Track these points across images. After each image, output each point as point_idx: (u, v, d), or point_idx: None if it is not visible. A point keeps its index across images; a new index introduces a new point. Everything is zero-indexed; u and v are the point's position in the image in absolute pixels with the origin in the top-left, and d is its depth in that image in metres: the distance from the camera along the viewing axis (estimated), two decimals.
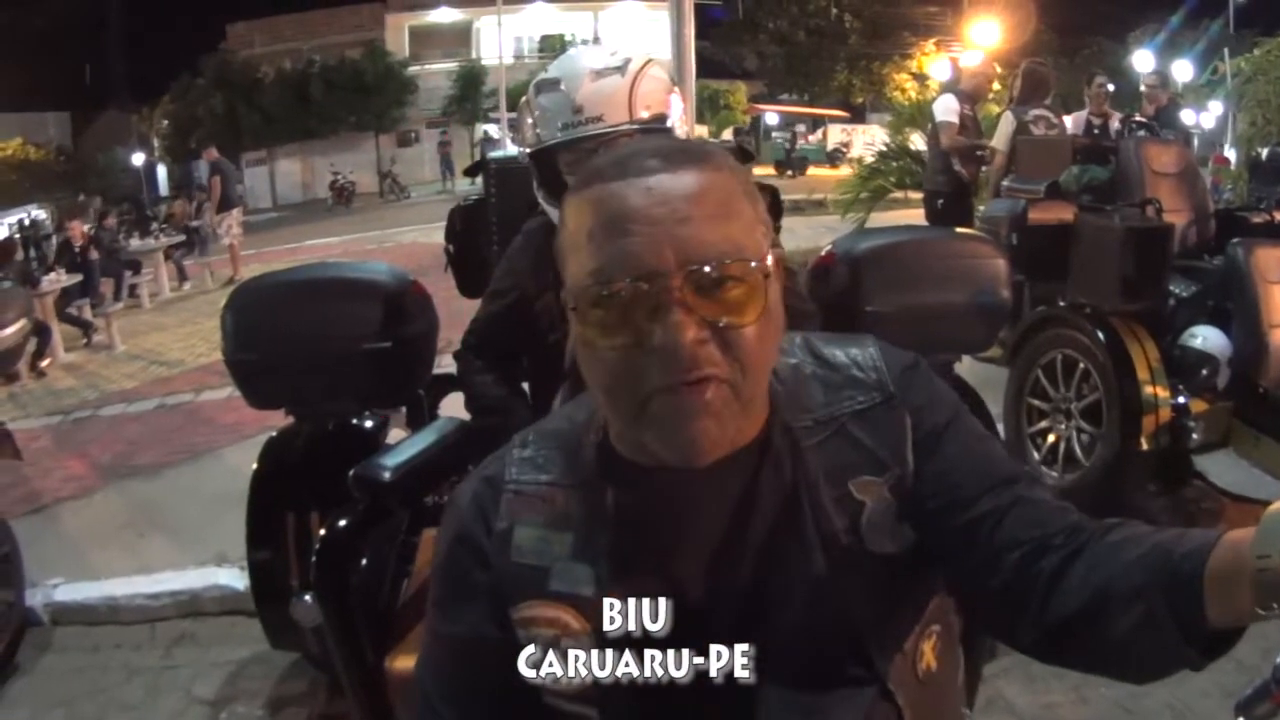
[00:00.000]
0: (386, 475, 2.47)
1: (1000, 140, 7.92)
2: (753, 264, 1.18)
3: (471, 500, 1.37)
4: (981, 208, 7.93)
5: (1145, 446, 4.73)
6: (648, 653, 1.25)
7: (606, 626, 1.25)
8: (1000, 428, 5.19)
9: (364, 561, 2.51)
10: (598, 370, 1.20)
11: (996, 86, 11.25)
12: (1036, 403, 5.43)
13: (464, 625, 1.34)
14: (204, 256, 18.39)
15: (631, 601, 1.26)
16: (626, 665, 1.25)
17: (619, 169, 1.20)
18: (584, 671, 1.26)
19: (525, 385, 3.01)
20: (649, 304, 1.14)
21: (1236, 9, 28.28)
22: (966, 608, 1.43)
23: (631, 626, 1.25)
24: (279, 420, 3.55)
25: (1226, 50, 17.10)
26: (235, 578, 4.78)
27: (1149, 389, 4.74)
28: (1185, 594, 1.04)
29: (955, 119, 8.55)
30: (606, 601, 1.26)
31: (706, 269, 1.15)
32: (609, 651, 1.25)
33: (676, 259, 1.14)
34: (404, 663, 2.41)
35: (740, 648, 1.24)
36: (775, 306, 1.22)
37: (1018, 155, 7.34)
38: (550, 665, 1.28)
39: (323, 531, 2.57)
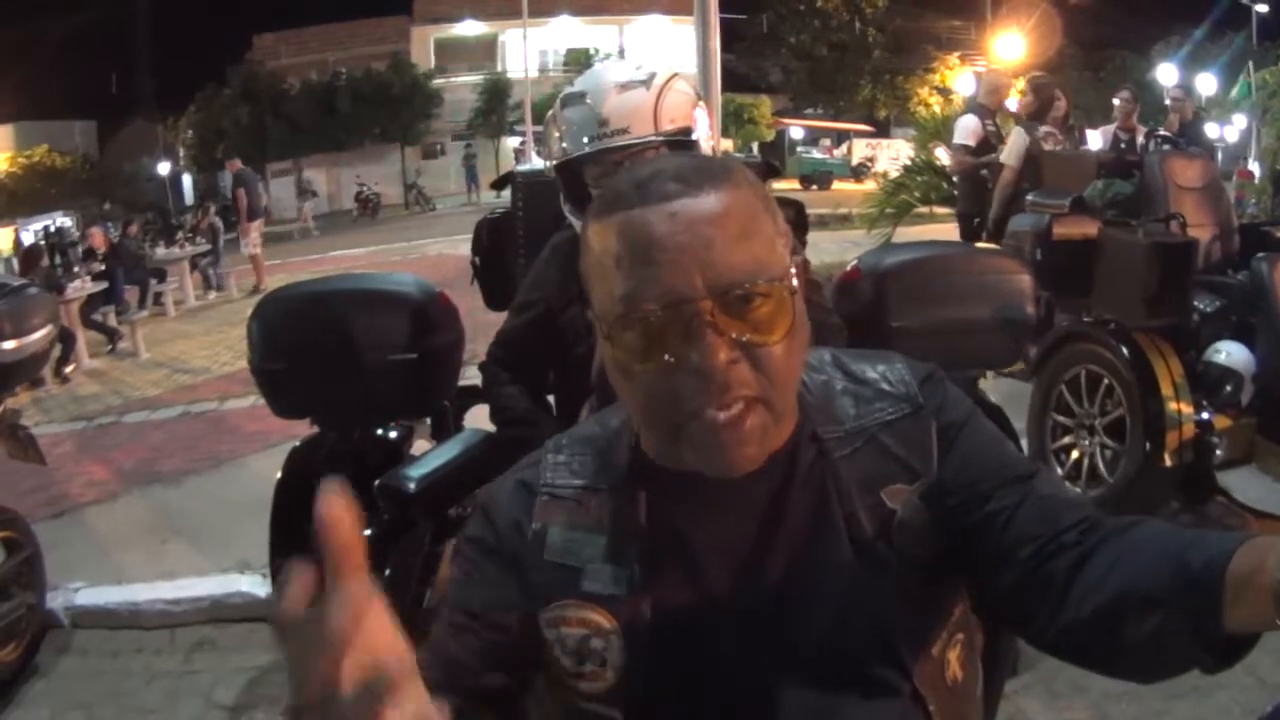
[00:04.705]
0: (412, 486, 2.48)
1: (1012, 156, 7.85)
2: (779, 281, 1.19)
3: (507, 496, 1.39)
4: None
5: (1169, 463, 4.71)
6: (676, 655, 1.27)
7: (635, 628, 1.27)
8: (1024, 443, 5.16)
9: (388, 571, 2.52)
10: (633, 392, 1.22)
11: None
12: (1060, 418, 5.41)
13: (479, 602, 1.33)
14: (218, 267, 18.48)
15: (659, 604, 1.27)
16: (654, 667, 1.27)
17: (640, 193, 1.20)
18: (612, 672, 1.28)
19: (551, 398, 3.01)
20: (680, 328, 1.16)
21: (1260, 22, 28.18)
22: (988, 621, 1.43)
23: (660, 629, 1.27)
24: (303, 429, 3.57)
25: (1251, 63, 17.01)
26: (257, 585, 4.80)
27: (1173, 405, 4.72)
28: (1203, 602, 1.04)
29: (971, 141, 8.50)
30: (638, 603, 1.27)
31: (735, 292, 1.16)
32: (638, 652, 1.27)
33: (705, 283, 1.15)
34: None
35: (770, 651, 1.26)
36: (801, 318, 1.23)
37: (1043, 170, 7.31)
38: (578, 665, 1.30)
39: None
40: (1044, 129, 7.87)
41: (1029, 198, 6.06)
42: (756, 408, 1.18)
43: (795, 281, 1.23)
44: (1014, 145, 7.86)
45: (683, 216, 1.17)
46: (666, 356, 1.17)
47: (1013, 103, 9.25)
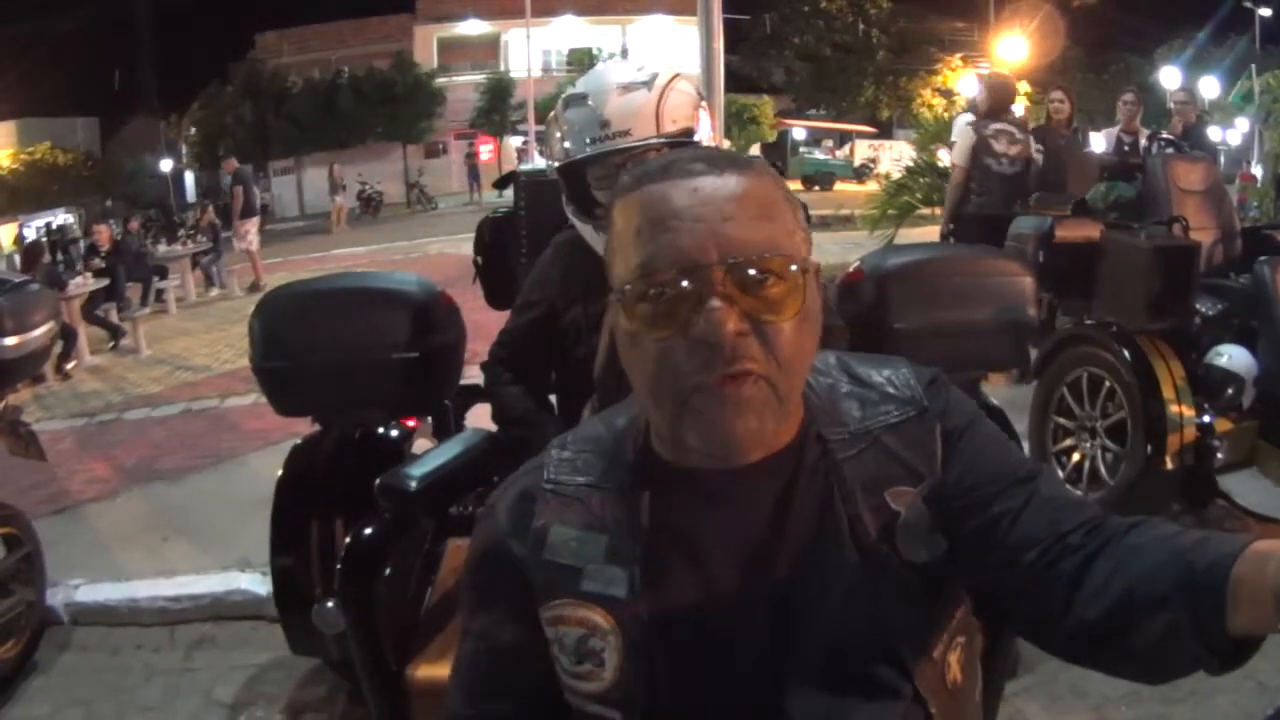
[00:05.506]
0: (413, 485, 2.47)
1: (959, 155, 7.79)
2: (792, 264, 1.21)
3: (508, 505, 1.39)
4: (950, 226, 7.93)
5: (1170, 465, 4.70)
6: (675, 656, 1.27)
7: (635, 629, 1.27)
8: (1025, 446, 5.16)
9: (388, 570, 2.51)
10: (642, 363, 1.22)
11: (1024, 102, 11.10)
12: (1062, 421, 5.41)
13: (490, 625, 1.37)
14: (220, 264, 18.55)
15: (662, 605, 1.27)
16: (652, 668, 1.27)
17: (665, 171, 1.23)
18: (609, 673, 1.28)
19: (552, 398, 3.01)
20: (693, 297, 1.17)
21: (1263, 25, 28.17)
22: (989, 623, 1.43)
23: (660, 630, 1.27)
24: (305, 427, 3.57)
25: (1254, 66, 16.98)
26: (257, 583, 4.80)
27: (1174, 408, 4.71)
28: (1207, 605, 1.05)
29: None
30: (637, 604, 1.27)
31: (748, 264, 1.17)
32: (635, 653, 1.27)
33: (719, 253, 1.17)
34: (425, 671, 2.41)
35: (768, 652, 1.26)
36: (813, 308, 1.25)
37: (1059, 169, 7.30)
38: (576, 664, 1.30)
39: (348, 539, 2.56)
40: (995, 126, 7.70)
41: (1031, 199, 6.05)
42: (760, 382, 1.19)
43: (811, 271, 1.24)
44: (961, 144, 7.79)
45: (703, 191, 1.20)
46: (677, 326, 1.18)
47: (1018, 106, 9.20)
